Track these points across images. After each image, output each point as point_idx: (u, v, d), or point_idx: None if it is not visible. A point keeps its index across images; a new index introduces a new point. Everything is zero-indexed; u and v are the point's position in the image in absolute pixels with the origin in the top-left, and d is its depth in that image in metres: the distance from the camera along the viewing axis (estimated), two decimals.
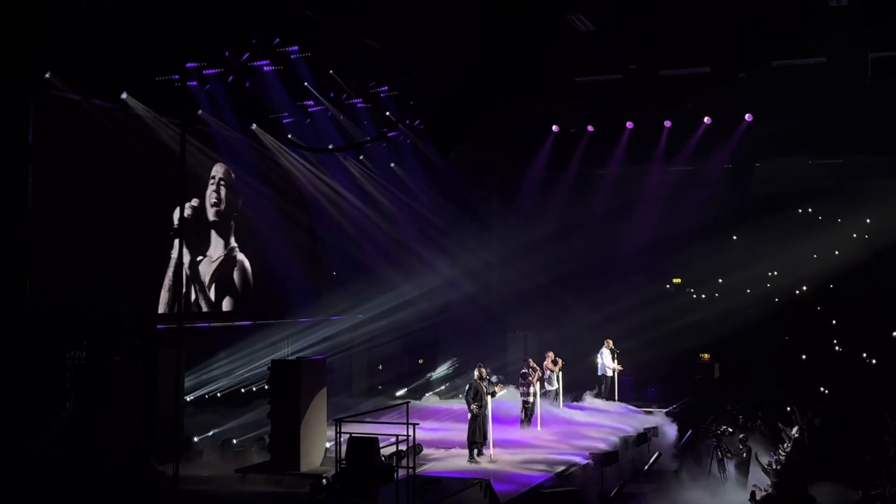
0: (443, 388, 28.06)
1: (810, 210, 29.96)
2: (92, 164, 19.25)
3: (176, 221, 21.30)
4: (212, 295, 23.33)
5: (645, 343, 27.82)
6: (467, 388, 19.37)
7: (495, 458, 18.66)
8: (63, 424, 16.20)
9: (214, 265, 23.45)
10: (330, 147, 25.63)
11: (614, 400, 25.64)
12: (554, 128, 30.32)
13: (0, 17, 16.13)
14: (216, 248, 23.58)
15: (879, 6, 22.09)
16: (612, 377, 25.98)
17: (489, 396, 19.07)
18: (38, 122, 17.60)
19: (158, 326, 20.73)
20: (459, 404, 21.75)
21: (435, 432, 20.79)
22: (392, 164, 29.27)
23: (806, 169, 29.18)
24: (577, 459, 18.84)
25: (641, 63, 26.11)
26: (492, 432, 19.03)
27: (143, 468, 16.07)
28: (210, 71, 21.33)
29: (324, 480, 15.52)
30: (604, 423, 22.65)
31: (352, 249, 27.60)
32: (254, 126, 24.05)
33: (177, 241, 21.17)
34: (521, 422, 22.06)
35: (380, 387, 28.17)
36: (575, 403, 24.99)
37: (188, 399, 20.99)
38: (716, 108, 27.99)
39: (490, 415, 19.02)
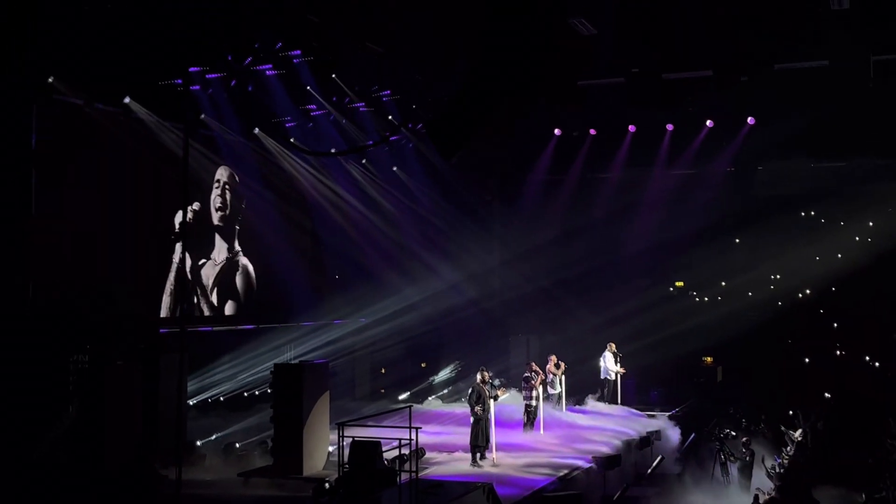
0: (445, 391, 28.04)
1: (812, 213, 29.97)
2: (95, 168, 19.30)
3: (178, 225, 21.33)
4: (214, 299, 23.34)
5: (647, 346, 27.83)
6: (470, 391, 19.37)
7: (498, 462, 18.65)
8: (66, 428, 16.19)
9: (218, 269, 23.46)
10: (332, 151, 25.67)
11: (617, 403, 25.61)
12: (556, 131, 30.33)
13: (3, 22, 16.16)
14: (220, 251, 23.60)
15: (882, 9, 22.06)
16: (615, 380, 25.96)
17: (492, 400, 19.07)
18: (41, 126, 17.62)
19: (161, 330, 20.72)
20: (462, 408, 21.75)
21: (437, 436, 20.79)
22: (394, 168, 29.31)
23: (808, 172, 29.19)
24: (580, 463, 18.83)
25: (643, 66, 26.10)
26: (494, 436, 19.02)
27: (145, 472, 16.06)
28: (213, 75, 21.35)
29: (326, 484, 15.53)
30: (606, 426, 22.63)
31: (354, 253, 27.62)
32: (256, 130, 24.10)
33: (179, 245, 21.21)
34: (524, 425, 22.05)
35: (382, 390, 28.19)
36: (577, 407, 24.97)
37: (191, 403, 20.99)
38: (718, 111, 27.98)
39: (493, 418, 19.02)
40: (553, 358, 24.11)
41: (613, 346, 26.08)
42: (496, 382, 20.69)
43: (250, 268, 24.49)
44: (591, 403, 25.46)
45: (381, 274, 27.85)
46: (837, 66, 24.48)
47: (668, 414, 24.95)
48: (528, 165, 31.61)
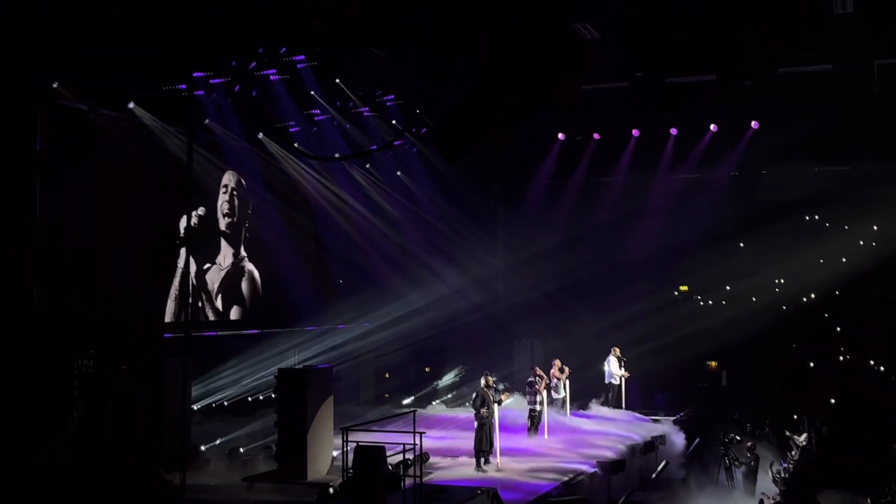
0: (449, 396, 28.04)
1: (817, 217, 29.89)
2: (99, 172, 19.35)
3: (182, 230, 21.35)
4: (219, 304, 23.34)
5: (652, 350, 27.78)
6: (474, 396, 19.37)
7: (502, 467, 18.63)
8: (70, 433, 16.21)
9: (223, 274, 23.47)
10: (336, 156, 25.69)
11: (621, 408, 25.56)
12: (560, 136, 30.33)
13: (8, 27, 16.21)
14: (225, 256, 23.61)
15: (885, 13, 22.06)
16: (619, 385, 25.92)
17: (496, 404, 19.06)
18: (46, 131, 17.69)
19: (165, 335, 20.75)
20: (466, 412, 21.73)
21: (442, 441, 20.78)
22: (398, 173, 29.34)
23: (812, 176, 29.14)
24: (585, 468, 18.79)
25: (647, 71, 26.12)
26: (498, 441, 19.00)
27: (149, 477, 16.09)
28: (217, 80, 21.39)
29: (331, 489, 15.54)
30: (611, 431, 22.57)
31: (358, 258, 27.63)
32: (260, 135, 24.13)
33: (183, 250, 21.22)
34: (528, 430, 22.00)
35: (387, 395, 28.16)
36: (582, 411, 24.93)
37: (195, 407, 21.00)
38: (722, 115, 27.99)
39: (497, 423, 19.00)
40: (557, 362, 24.10)
41: (618, 350, 26.05)
42: (500, 387, 20.67)
43: (256, 273, 24.51)
44: (596, 408, 25.42)
45: (384, 279, 27.86)
46: (841, 69, 24.48)
47: (672, 418, 24.89)
48: (532, 170, 31.62)
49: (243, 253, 24.14)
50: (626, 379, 25.93)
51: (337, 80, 24.23)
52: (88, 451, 16.14)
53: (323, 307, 26.45)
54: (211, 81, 21.31)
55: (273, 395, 19.39)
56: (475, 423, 18.87)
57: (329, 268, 27.73)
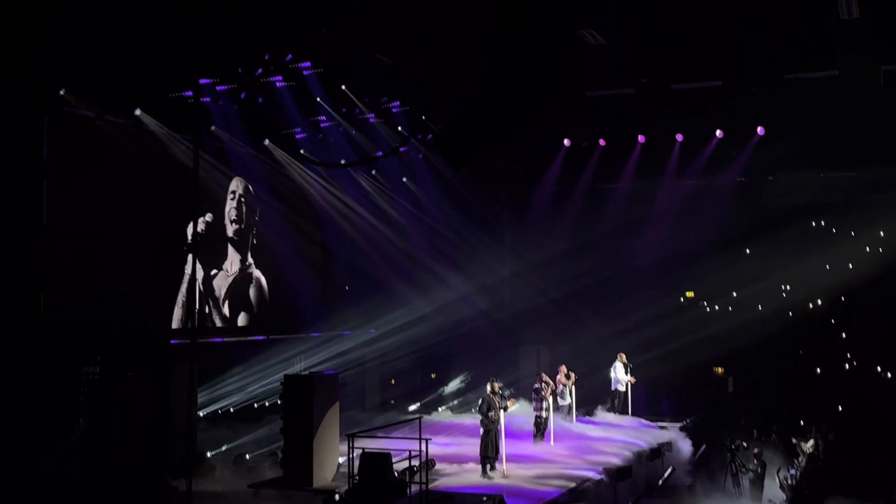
0: (455, 402, 28.04)
1: (823, 223, 29.89)
2: (106, 179, 19.39)
3: (189, 236, 21.37)
4: (226, 310, 23.36)
5: (658, 357, 27.78)
6: (480, 402, 19.35)
7: (508, 473, 18.60)
8: (77, 439, 16.24)
9: (230, 280, 23.49)
10: (342, 162, 25.72)
11: (627, 414, 25.54)
12: (565, 142, 30.32)
13: (14, 34, 16.26)
14: (233, 262, 23.64)
15: (892, 18, 22.01)
16: (626, 391, 25.89)
17: (502, 411, 19.04)
18: (53, 138, 17.74)
19: (172, 342, 20.77)
20: (472, 419, 21.71)
21: (447, 447, 20.75)
22: (404, 179, 29.35)
23: (819, 182, 29.14)
24: (591, 475, 18.76)
25: (653, 77, 26.09)
26: (504, 447, 18.98)
27: (156, 483, 16.09)
28: (223, 87, 21.44)
29: (337, 496, 15.54)
30: (617, 437, 22.56)
31: (364, 264, 27.64)
32: (266, 141, 24.17)
33: (190, 257, 21.24)
34: (534, 436, 21.99)
35: (392, 401, 28.17)
36: (588, 418, 24.91)
37: (201, 414, 21.00)
38: (728, 121, 27.94)
39: (503, 429, 18.99)
40: (563, 368, 24.08)
41: (624, 356, 26.03)
42: (506, 393, 20.65)
43: (263, 280, 24.53)
44: (602, 414, 25.42)
45: (390, 285, 27.87)
46: (847, 75, 24.42)
47: (679, 425, 24.86)
48: (537, 176, 31.61)
49: (250, 259, 24.17)
50: (632, 385, 25.89)
51: (343, 87, 24.26)
52: (95, 458, 16.15)
53: (329, 313, 26.46)
54: (217, 88, 21.36)
55: (279, 402, 19.38)
56: (481, 430, 18.85)
57: (335, 274, 27.74)
